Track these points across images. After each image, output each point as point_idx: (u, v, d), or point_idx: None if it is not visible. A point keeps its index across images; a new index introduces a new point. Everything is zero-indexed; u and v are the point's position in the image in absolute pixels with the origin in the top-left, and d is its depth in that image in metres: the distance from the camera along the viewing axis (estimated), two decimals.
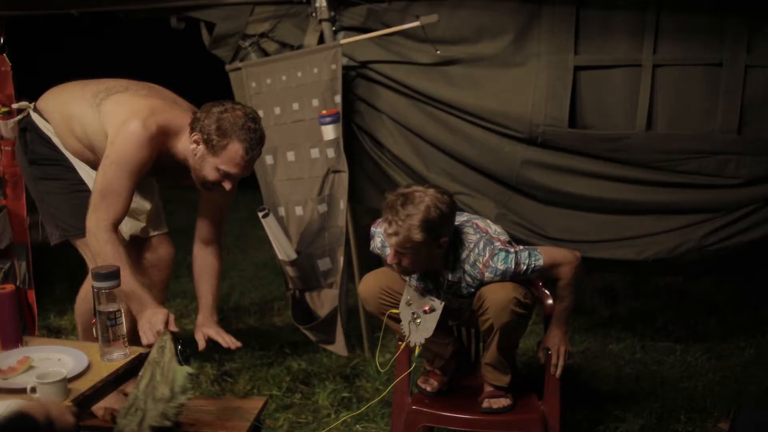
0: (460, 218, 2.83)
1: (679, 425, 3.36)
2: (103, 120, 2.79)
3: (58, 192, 2.95)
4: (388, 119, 3.73)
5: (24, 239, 3.94)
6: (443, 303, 2.81)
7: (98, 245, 2.65)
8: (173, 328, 2.51)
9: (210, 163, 2.72)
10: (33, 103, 3.01)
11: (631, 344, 4.14)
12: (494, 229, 2.85)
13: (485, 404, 2.86)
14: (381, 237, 2.89)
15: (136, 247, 3.07)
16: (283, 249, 3.79)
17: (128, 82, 2.96)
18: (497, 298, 2.68)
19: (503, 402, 2.87)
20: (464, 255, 2.73)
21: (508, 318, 2.69)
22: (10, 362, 2.32)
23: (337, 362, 4.00)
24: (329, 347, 4.02)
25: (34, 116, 2.97)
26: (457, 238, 2.74)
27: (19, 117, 3.03)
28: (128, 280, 2.59)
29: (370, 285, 2.94)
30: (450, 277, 2.76)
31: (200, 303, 3.08)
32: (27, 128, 2.99)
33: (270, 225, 3.74)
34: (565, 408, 2.97)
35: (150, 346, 2.48)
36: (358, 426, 3.45)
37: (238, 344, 2.86)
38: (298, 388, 3.79)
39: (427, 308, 2.81)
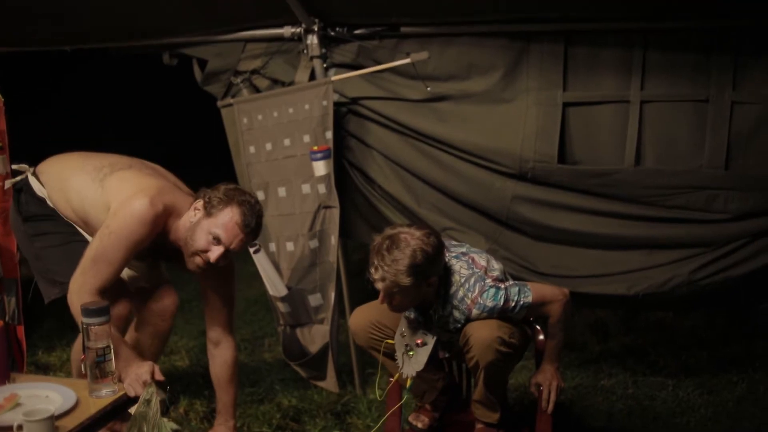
0: (459, 249, 2.84)
1: None
2: (106, 195, 2.80)
3: (54, 245, 2.95)
4: (378, 155, 3.75)
5: (14, 274, 3.91)
6: (435, 337, 2.81)
7: (79, 305, 2.57)
8: (159, 377, 2.49)
9: (203, 227, 2.72)
10: (32, 168, 3.03)
11: (623, 379, 4.13)
12: (491, 265, 2.85)
13: None
14: None
15: (139, 296, 3.06)
16: (274, 285, 3.79)
17: (131, 160, 2.98)
18: (481, 337, 2.67)
19: None
20: (453, 290, 2.73)
21: (493, 357, 2.68)
22: None
23: (328, 399, 3.98)
24: (320, 383, 3.99)
25: (31, 179, 2.99)
26: (448, 273, 2.75)
27: (18, 179, 3.04)
28: (113, 336, 2.54)
29: (360, 319, 2.95)
30: (441, 311, 2.76)
31: (218, 406, 3.09)
32: (23, 189, 3.01)
33: (261, 261, 3.74)
34: None
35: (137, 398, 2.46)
36: None
37: None
38: (288, 426, 3.76)
39: (419, 342, 2.80)
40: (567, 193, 3.47)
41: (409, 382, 2.86)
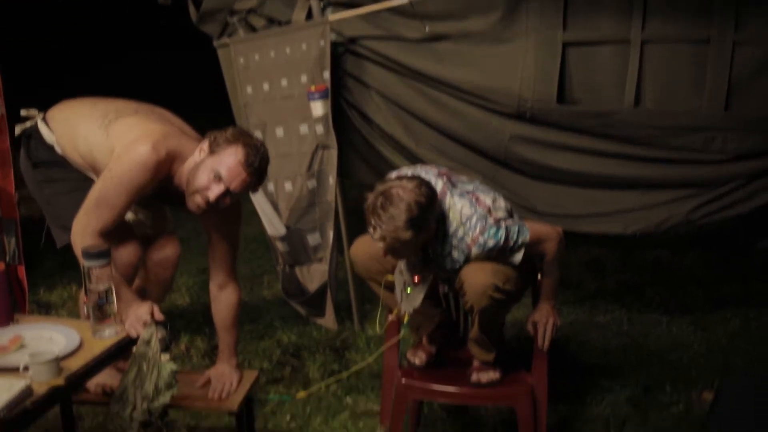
0: (465, 187, 2.82)
1: (665, 396, 3.42)
2: (111, 140, 2.76)
3: (64, 192, 2.93)
4: (377, 95, 3.72)
5: (13, 214, 3.91)
6: (431, 275, 2.84)
7: (81, 246, 2.58)
8: (159, 316, 2.51)
9: (206, 165, 2.68)
10: (42, 114, 2.98)
11: (618, 317, 4.19)
12: (497, 204, 2.82)
13: (473, 378, 2.90)
14: None
15: (143, 245, 3.04)
16: (273, 224, 3.80)
17: (137, 105, 2.94)
18: (475, 283, 2.69)
19: (491, 375, 2.90)
20: (453, 229, 2.74)
21: (487, 303, 2.70)
22: (1, 341, 2.34)
23: (327, 335, 4.04)
24: (319, 321, 4.05)
25: (41, 125, 2.95)
26: (449, 212, 2.76)
27: (27, 125, 3.00)
28: (114, 278, 2.56)
29: (360, 249, 2.97)
30: (440, 250, 2.78)
31: (220, 345, 3.07)
32: (32, 135, 2.97)
33: (259, 201, 3.75)
34: (553, 379, 3.01)
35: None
36: (348, 398, 3.49)
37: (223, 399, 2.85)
38: (288, 361, 3.82)
39: (416, 279, 2.83)
40: (565, 133, 3.47)
41: (406, 318, 2.90)
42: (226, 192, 2.68)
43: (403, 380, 2.94)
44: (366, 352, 3.81)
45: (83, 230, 2.63)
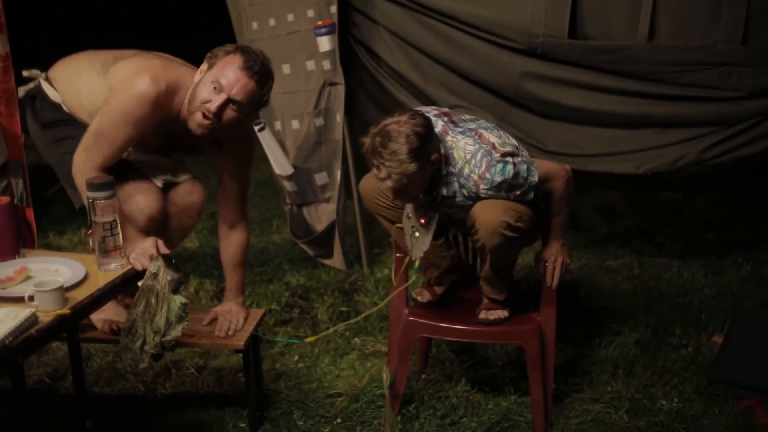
0: (468, 125, 2.78)
1: (674, 338, 3.41)
2: (110, 81, 2.70)
3: (75, 150, 2.89)
4: (384, 31, 3.64)
5: (20, 156, 3.86)
6: (437, 215, 2.80)
7: (81, 179, 2.57)
8: (164, 250, 2.47)
9: (206, 78, 2.60)
10: (44, 73, 2.92)
11: (628, 261, 4.17)
12: (502, 139, 2.78)
13: (481, 315, 2.88)
14: None
15: (164, 194, 2.95)
16: (280, 163, 3.77)
17: (137, 51, 2.86)
18: (486, 221, 2.65)
19: (500, 314, 2.88)
20: (458, 167, 2.70)
21: (498, 241, 2.66)
22: (7, 272, 2.33)
23: (336, 278, 4.03)
24: (327, 261, 4.03)
25: (44, 85, 2.89)
26: (453, 151, 2.71)
27: (30, 86, 2.94)
28: (120, 215, 2.52)
29: (368, 184, 2.94)
30: (444, 191, 2.74)
31: (228, 284, 3.04)
32: (36, 96, 2.92)
33: (266, 139, 3.71)
34: (562, 321, 3.00)
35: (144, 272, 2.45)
36: (356, 339, 3.50)
37: (231, 336, 2.82)
38: (296, 303, 3.83)
39: (422, 221, 2.80)
40: (577, 69, 3.39)
41: (417, 263, 2.87)
42: (228, 101, 2.59)
43: (410, 318, 2.93)
44: (375, 295, 3.81)
45: (83, 165, 2.58)
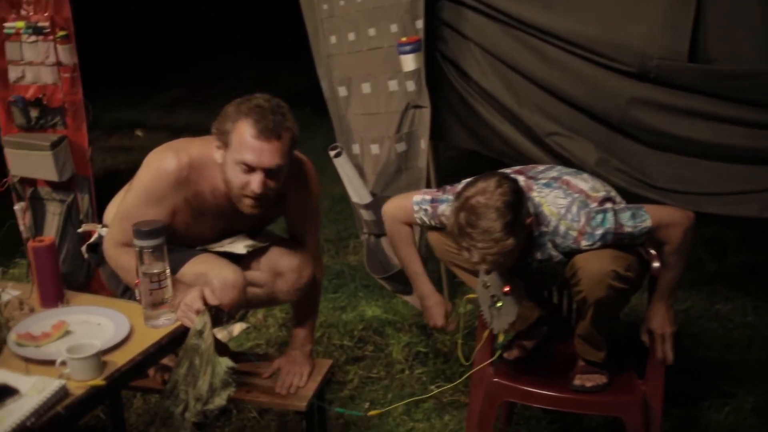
0: (549, 174, 2.48)
1: None
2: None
3: None
4: (476, 47, 3.30)
5: (86, 171, 3.80)
6: (523, 283, 2.52)
7: (113, 261, 2.48)
8: (212, 301, 2.24)
9: (228, 161, 2.38)
10: (101, 225, 2.76)
11: (741, 304, 3.75)
12: (590, 183, 2.48)
13: (577, 381, 2.55)
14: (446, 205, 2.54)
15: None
16: (357, 191, 3.49)
17: None
18: (592, 271, 2.32)
19: (598, 380, 2.55)
20: (552, 225, 2.39)
21: (604, 293, 2.33)
22: (44, 326, 2.12)
23: (414, 310, 3.78)
24: (406, 298, 3.76)
25: (104, 231, 2.70)
26: (542, 208, 2.40)
27: (91, 241, 2.76)
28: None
29: (436, 233, 2.67)
30: (539, 255, 2.42)
31: (293, 331, 2.82)
32: (98, 245, 2.70)
33: (343, 165, 3.45)
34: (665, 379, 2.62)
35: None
36: (432, 386, 3.22)
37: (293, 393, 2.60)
38: (370, 339, 3.62)
39: (507, 289, 2.49)
40: (696, 96, 2.96)
41: (501, 337, 2.57)
42: (268, 175, 2.38)
43: (495, 379, 2.61)
44: (456, 334, 3.50)
45: (107, 242, 2.50)
